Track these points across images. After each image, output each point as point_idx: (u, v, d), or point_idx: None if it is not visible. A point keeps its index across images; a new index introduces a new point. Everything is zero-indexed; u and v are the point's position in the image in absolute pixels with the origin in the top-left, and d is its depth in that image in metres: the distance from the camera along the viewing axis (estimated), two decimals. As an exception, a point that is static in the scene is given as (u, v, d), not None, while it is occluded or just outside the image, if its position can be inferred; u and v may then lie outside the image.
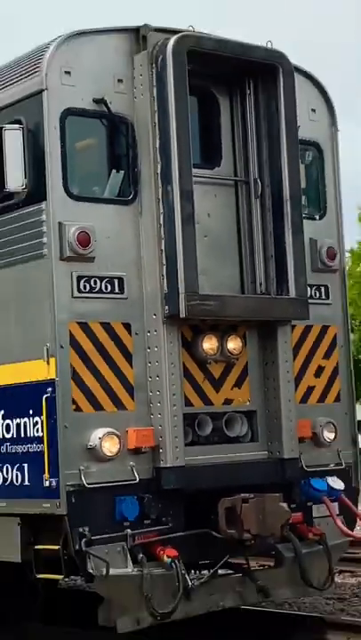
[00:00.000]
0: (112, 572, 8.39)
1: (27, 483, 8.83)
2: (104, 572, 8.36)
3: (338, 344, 10.28)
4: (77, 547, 8.35)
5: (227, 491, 9.03)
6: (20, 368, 8.94)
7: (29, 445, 8.80)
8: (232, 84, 9.82)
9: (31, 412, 8.78)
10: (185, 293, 8.83)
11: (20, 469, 8.90)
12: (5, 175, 8.77)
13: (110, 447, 8.63)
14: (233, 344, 9.41)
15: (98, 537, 8.44)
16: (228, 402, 9.48)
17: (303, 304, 9.57)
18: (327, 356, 10.19)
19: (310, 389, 10.01)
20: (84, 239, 8.71)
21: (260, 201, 9.70)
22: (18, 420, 8.95)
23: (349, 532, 9.81)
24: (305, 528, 9.61)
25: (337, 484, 9.78)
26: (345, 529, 9.74)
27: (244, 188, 9.79)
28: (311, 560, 9.52)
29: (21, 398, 8.92)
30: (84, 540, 8.36)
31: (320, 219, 10.31)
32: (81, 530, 8.38)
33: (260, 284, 9.63)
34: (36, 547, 8.83)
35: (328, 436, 9.96)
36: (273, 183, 9.62)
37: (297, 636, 9.57)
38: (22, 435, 8.89)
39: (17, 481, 8.93)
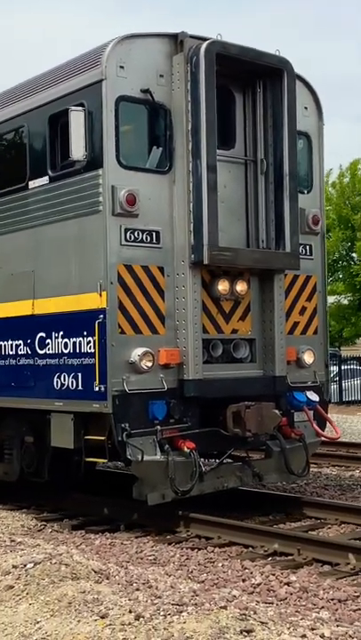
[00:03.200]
0: (145, 458, 8.13)
1: (80, 388, 8.49)
2: (139, 458, 8.09)
3: (317, 290, 9.92)
4: (120, 438, 8.07)
5: (232, 399, 8.76)
6: (77, 299, 8.54)
7: (83, 359, 8.45)
8: (245, 82, 9.34)
9: (85, 333, 8.42)
10: (208, 245, 8.45)
11: (75, 377, 8.56)
12: (70, 146, 8.31)
13: (146, 362, 8.31)
14: (240, 286, 9.06)
15: (135, 431, 8.15)
16: (234, 331, 9.14)
17: (296, 257, 9.21)
18: (309, 299, 9.83)
19: (296, 324, 9.67)
20: (131, 199, 8.29)
21: (264, 176, 9.28)
22: (74, 339, 8.59)
23: (323, 432, 9.57)
24: (289, 429, 9.32)
25: (313, 396, 9.51)
26: (319, 430, 9.49)
27: (252, 165, 9.34)
28: (293, 454, 9.28)
29: (77, 322, 8.54)
30: (125, 433, 8.08)
31: (307, 193, 9.87)
32: (123, 425, 8.09)
33: (262, 241, 9.25)
34: (86, 437, 8.54)
35: (308, 360, 9.65)
36: (275, 162, 9.19)
37: (279, 511, 9.33)
38: (77, 350, 8.53)
39: (72, 386, 8.59)
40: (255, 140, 9.32)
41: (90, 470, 10.15)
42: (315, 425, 9.44)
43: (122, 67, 8.38)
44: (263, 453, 9.42)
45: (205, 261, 8.46)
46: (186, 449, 8.37)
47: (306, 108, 9.88)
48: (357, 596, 6.21)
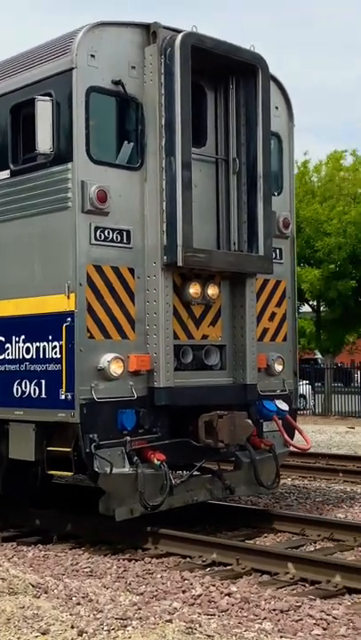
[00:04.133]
0: (114, 470, 7.66)
1: (43, 395, 7.97)
2: (108, 471, 7.62)
3: (287, 295, 9.63)
4: (87, 449, 7.59)
5: (202, 408, 8.37)
6: (42, 301, 8.02)
7: (47, 365, 7.93)
8: (217, 79, 8.99)
9: (50, 337, 7.91)
10: (182, 246, 8.05)
11: (38, 384, 8.03)
12: (37, 139, 7.80)
13: (116, 369, 7.84)
14: (211, 290, 8.69)
15: (103, 442, 7.68)
16: (205, 337, 8.75)
17: (270, 261, 8.88)
18: (279, 304, 9.53)
19: (265, 330, 9.35)
20: (102, 196, 7.84)
21: (236, 176, 8.94)
22: (37, 344, 8.05)
23: (293, 443, 9.26)
24: (258, 440, 8.98)
25: (283, 405, 9.20)
26: (290, 441, 9.18)
27: (224, 164, 9.00)
28: (263, 465, 8.94)
29: (41, 326, 8.01)
30: (93, 444, 7.60)
31: (278, 195, 9.58)
32: (91, 436, 7.62)
33: (234, 243, 8.90)
34: (49, 448, 8.01)
35: (278, 368, 9.34)
36: (248, 162, 8.86)
37: (249, 524, 8.97)
38: (41, 356, 8.00)
39: (34, 394, 8.06)
40: (227, 139, 8.99)
41: (46, 483, 9.63)
42: (286, 435, 9.13)
43: (93, 55, 7.92)
44: (232, 465, 9.05)
45: (179, 263, 8.05)
46: (156, 461, 7.94)
47: (277, 107, 9.59)
48: (299, 606, 6.13)
